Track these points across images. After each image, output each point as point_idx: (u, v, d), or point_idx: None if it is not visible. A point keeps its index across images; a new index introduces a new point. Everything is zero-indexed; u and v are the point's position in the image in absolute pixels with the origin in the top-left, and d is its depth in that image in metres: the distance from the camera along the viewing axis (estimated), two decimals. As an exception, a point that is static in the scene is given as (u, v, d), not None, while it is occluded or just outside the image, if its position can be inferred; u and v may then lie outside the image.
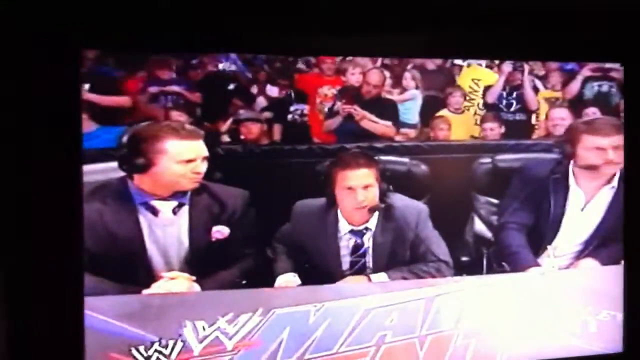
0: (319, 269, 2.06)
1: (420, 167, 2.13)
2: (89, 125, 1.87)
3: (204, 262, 1.95)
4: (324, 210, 2.07)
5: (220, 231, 1.96)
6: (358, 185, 2.03)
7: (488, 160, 2.20)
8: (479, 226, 2.23)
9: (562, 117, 2.26)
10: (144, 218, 1.92)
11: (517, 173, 2.22)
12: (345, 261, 2.08)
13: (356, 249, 2.09)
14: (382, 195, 2.06)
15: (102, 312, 1.86)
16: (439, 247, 2.11)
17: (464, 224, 2.22)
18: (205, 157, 1.92)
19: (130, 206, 1.90)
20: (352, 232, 2.08)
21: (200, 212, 1.95)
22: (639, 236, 2.27)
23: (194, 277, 1.93)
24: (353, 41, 2.08)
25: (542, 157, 2.24)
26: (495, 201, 2.23)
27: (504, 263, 2.21)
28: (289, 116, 2.09)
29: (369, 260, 2.09)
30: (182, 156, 1.89)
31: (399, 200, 2.09)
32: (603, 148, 2.21)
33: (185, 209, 1.95)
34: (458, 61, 2.19)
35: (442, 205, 2.14)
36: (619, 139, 2.23)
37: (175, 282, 1.92)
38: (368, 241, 2.09)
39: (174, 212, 1.94)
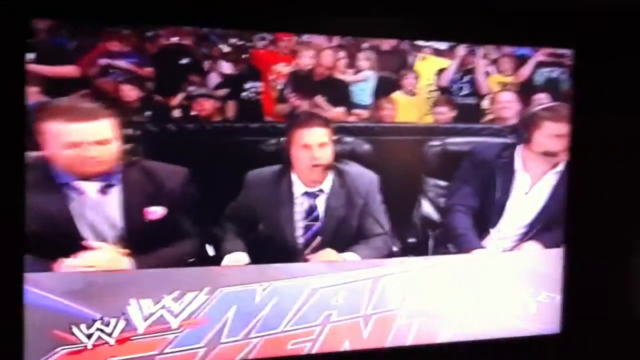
0: (273, 238, 2.07)
1: (364, 147, 2.14)
2: (38, 96, 1.82)
3: (140, 242, 1.92)
4: (277, 175, 2.07)
5: (155, 212, 1.93)
6: (314, 143, 2.04)
7: (438, 143, 2.22)
8: (427, 208, 2.24)
9: (509, 100, 2.28)
10: (71, 198, 1.86)
11: (466, 156, 2.24)
12: (299, 227, 2.10)
13: (310, 211, 2.10)
14: (336, 157, 2.09)
15: (45, 289, 1.84)
16: (385, 220, 2.15)
17: (412, 206, 2.24)
18: (102, 141, 1.84)
19: (54, 186, 1.85)
20: (306, 194, 2.10)
21: (132, 193, 1.91)
22: (580, 220, 2.33)
23: (124, 250, 1.90)
24: (309, 19, 2.06)
25: (490, 141, 2.26)
26: (443, 184, 2.26)
27: (449, 245, 2.24)
28: (244, 94, 2.07)
29: (320, 225, 2.10)
30: (65, 140, 1.81)
31: (352, 166, 2.13)
32: (562, 135, 2.26)
33: (115, 189, 1.90)
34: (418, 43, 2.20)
35: (390, 187, 2.16)
36: (563, 127, 2.28)
37: (99, 252, 1.87)
38: (322, 204, 2.10)
39: (103, 192, 1.88)
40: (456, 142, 2.24)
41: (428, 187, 2.24)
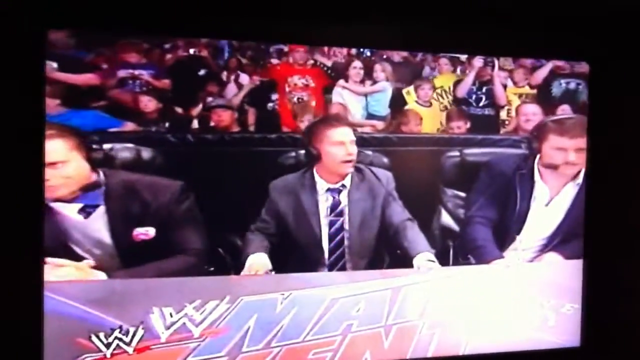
0: (299, 240, 2.10)
1: (382, 160, 2.16)
2: (57, 109, 1.85)
3: (134, 259, 1.92)
4: (300, 176, 2.10)
5: (145, 233, 1.92)
6: (347, 140, 2.09)
7: (456, 153, 2.22)
8: (446, 218, 2.24)
9: (534, 113, 2.29)
10: (58, 219, 1.86)
11: (484, 167, 2.24)
12: (324, 223, 2.11)
13: (334, 207, 2.12)
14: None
15: (67, 296, 1.86)
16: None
17: (431, 216, 2.23)
18: (64, 161, 1.84)
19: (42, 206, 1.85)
20: (329, 190, 2.12)
21: (118, 213, 1.90)
22: (600, 232, 2.31)
23: (92, 263, 1.88)
24: (326, 30, 2.09)
25: (509, 152, 2.26)
26: (462, 194, 2.26)
27: (469, 256, 2.23)
28: (262, 105, 2.09)
29: (346, 220, 2.12)
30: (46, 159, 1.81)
31: (370, 167, 2.16)
32: (565, 149, 2.25)
33: (101, 210, 1.89)
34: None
35: (409, 198, 2.17)
36: (583, 141, 2.27)
37: (64, 271, 1.86)
38: (345, 198, 2.12)
39: (88, 213, 1.87)
40: (474, 152, 2.24)
41: (447, 198, 2.24)
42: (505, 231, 2.27)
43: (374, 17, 2.05)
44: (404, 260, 2.15)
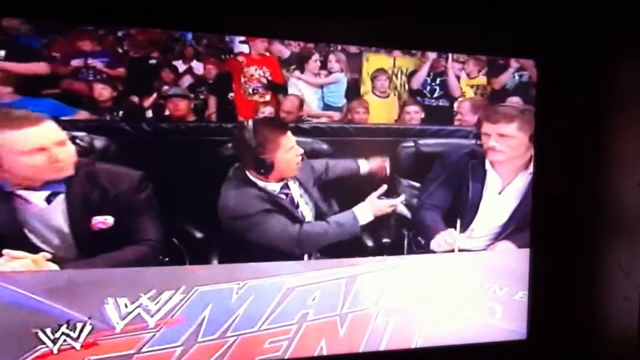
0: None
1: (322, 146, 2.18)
2: (11, 96, 1.82)
3: (88, 248, 1.90)
4: (250, 187, 2.09)
5: (103, 222, 1.90)
6: (294, 142, 2.11)
7: (411, 144, 2.25)
8: (401, 208, 2.27)
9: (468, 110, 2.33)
10: (19, 207, 1.82)
11: (438, 157, 2.28)
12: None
13: (292, 201, 2.14)
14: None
15: (20, 286, 1.84)
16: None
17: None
18: (60, 142, 1.83)
19: (2, 193, 1.82)
20: (282, 188, 2.14)
21: (77, 200, 1.87)
22: (546, 221, 2.37)
23: (48, 256, 1.85)
24: (280, 24, 2.09)
25: (461, 142, 2.30)
26: (417, 184, 2.28)
27: (419, 237, 2.27)
28: (217, 94, 2.09)
29: (303, 210, 2.16)
30: (24, 147, 1.78)
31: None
32: (488, 134, 2.29)
33: (61, 198, 1.86)
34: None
35: (362, 187, 2.20)
36: (507, 128, 2.29)
37: (19, 262, 1.83)
38: (295, 187, 2.16)
39: (48, 201, 1.84)
40: (428, 143, 2.27)
41: (402, 188, 2.26)
42: (458, 218, 2.30)
43: (333, 13, 2.05)
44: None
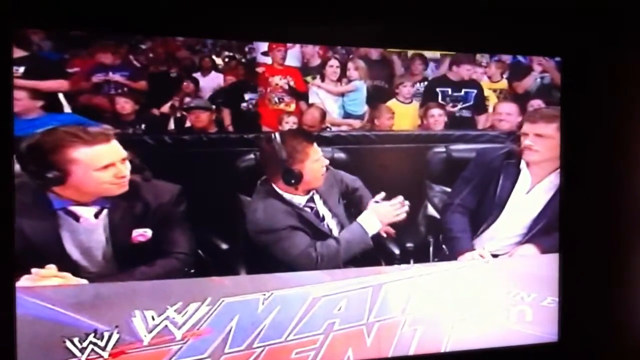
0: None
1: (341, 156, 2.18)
2: (35, 112, 1.83)
3: (130, 263, 1.92)
4: (277, 200, 2.09)
5: (143, 234, 1.92)
6: (321, 153, 2.10)
7: (442, 149, 2.24)
8: (432, 211, 2.26)
9: (508, 112, 2.30)
10: (64, 222, 1.84)
11: (473, 159, 2.26)
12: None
13: (317, 213, 2.14)
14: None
15: (45, 300, 1.84)
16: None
17: (415, 212, 2.24)
18: (124, 158, 1.86)
19: (47, 210, 1.83)
20: (307, 201, 2.13)
21: (120, 215, 1.89)
22: (575, 225, 2.33)
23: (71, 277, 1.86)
24: (306, 29, 2.09)
25: (495, 146, 2.28)
26: (448, 190, 2.27)
27: (443, 246, 2.25)
28: (243, 105, 2.08)
29: (330, 223, 2.15)
30: (98, 163, 1.82)
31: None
32: (526, 134, 2.28)
33: (105, 213, 1.89)
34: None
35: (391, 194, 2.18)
36: (545, 127, 2.28)
37: (47, 281, 1.84)
38: (319, 201, 2.15)
39: (96, 216, 1.88)
40: (459, 148, 2.26)
41: (433, 193, 2.25)
42: (483, 217, 2.28)
43: (353, 15, 2.04)
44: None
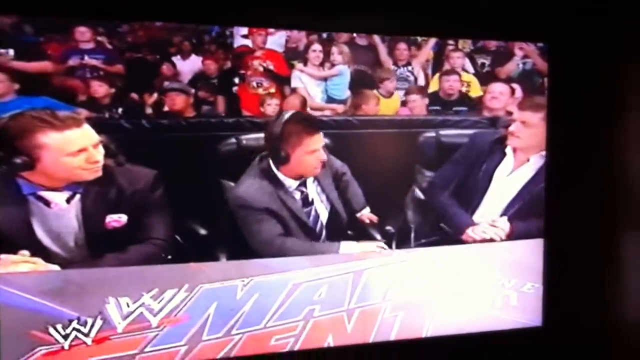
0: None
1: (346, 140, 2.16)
2: (10, 96, 1.79)
3: (104, 249, 1.89)
4: (267, 181, 2.06)
5: (117, 220, 1.89)
6: (320, 146, 2.08)
7: (432, 134, 2.22)
8: (418, 194, 2.25)
9: (501, 92, 2.29)
10: (35, 208, 1.81)
11: (464, 143, 2.25)
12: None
13: (305, 199, 2.11)
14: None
15: (21, 288, 1.80)
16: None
17: (400, 196, 2.23)
18: (97, 143, 1.82)
19: (18, 196, 1.79)
20: (299, 185, 2.11)
21: (93, 200, 1.86)
22: (560, 211, 2.33)
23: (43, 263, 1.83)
24: (283, 15, 2.05)
25: (485, 130, 2.28)
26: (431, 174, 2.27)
27: (442, 225, 2.25)
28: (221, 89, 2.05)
29: (318, 207, 2.14)
30: (69, 148, 1.78)
31: None
32: (514, 120, 2.27)
33: (77, 198, 1.85)
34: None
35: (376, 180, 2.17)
36: (529, 115, 2.28)
37: (18, 267, 1.81)
38: (312, 185, 2.13)
39: (68, 201, 1.84)
40: (449, 133, 2.25)
41: (422, 177, 2.25)
42: (468, 197, 2.28)
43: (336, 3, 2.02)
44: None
